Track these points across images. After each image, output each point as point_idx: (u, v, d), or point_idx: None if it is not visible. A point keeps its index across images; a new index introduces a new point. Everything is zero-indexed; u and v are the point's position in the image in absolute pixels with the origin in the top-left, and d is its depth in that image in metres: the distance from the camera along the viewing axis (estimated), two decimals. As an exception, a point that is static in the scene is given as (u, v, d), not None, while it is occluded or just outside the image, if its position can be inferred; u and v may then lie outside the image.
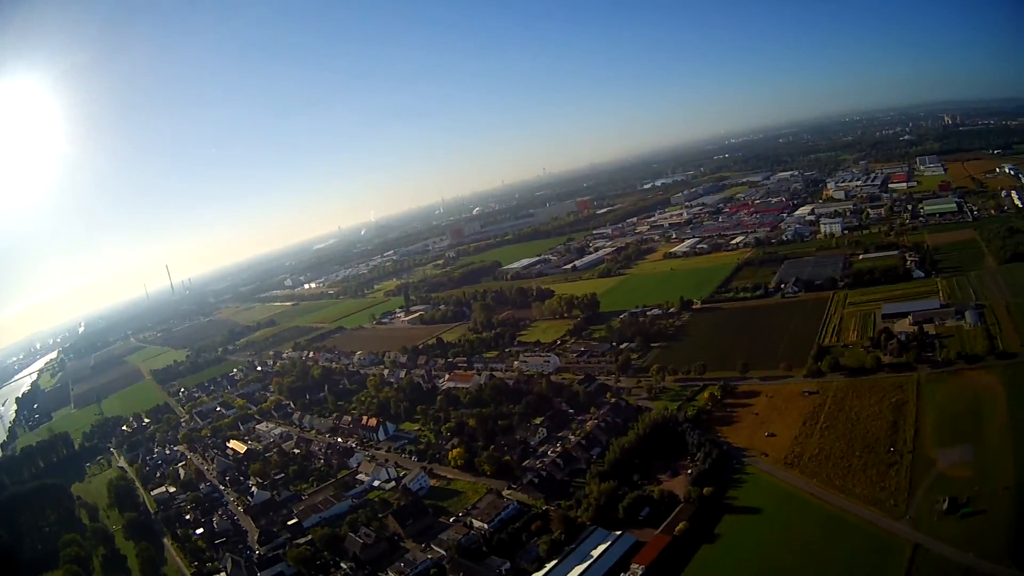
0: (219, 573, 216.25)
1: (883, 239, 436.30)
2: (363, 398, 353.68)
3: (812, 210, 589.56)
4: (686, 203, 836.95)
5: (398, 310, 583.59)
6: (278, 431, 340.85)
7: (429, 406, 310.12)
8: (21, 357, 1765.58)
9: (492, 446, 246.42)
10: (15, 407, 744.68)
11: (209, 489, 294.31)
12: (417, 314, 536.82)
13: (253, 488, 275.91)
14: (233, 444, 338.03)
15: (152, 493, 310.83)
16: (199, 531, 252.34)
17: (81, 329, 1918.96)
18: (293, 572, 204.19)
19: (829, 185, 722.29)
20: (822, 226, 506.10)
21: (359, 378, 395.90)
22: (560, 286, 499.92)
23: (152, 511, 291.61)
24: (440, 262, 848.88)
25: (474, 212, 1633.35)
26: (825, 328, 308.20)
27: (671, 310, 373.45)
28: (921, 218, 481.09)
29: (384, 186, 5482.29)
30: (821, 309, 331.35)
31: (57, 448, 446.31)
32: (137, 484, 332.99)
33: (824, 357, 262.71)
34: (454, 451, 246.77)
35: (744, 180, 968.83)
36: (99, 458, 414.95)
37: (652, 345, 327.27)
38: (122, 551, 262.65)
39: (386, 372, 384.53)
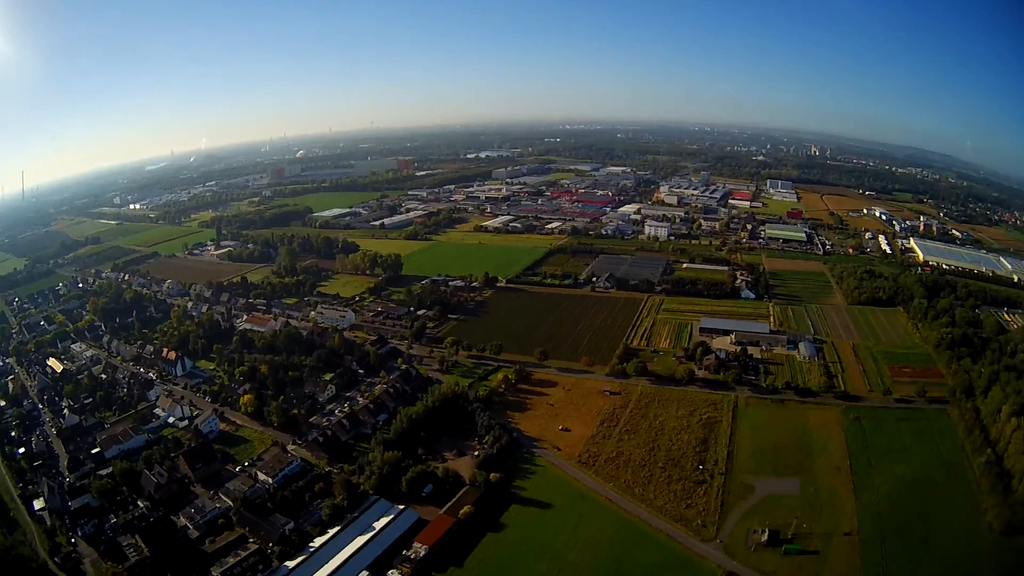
0: (38, 498, 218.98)
1: (713, 253, 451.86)
2: (166, 328, 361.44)
3: (639, 210, 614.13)
4: (507, 179, 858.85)
5: (209, 243, 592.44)
6: (89, 353, 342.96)
7: (225, 346, 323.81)
8: None
9: (282, 396, 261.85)
10: None
11: (31, 407, 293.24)
12: (226, 250, 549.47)
13: (65, 411, 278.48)
14: (52, 362, 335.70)
15: None
16: (21, 450, 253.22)
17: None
18: (97, 505, 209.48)
19: (662, 188, 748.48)
20: (647, 227, 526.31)
21: (165, 307, 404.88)
22: (366, 242, 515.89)
23: None
24: (256, 200, 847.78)
25: (297, 155, 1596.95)
26: (635, 330, 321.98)
27: (474, 284, 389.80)
28: (761, 240, 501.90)
29: (218, 116, 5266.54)
30: (633, 310, 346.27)
31: None
32: None
33: (631, 359, 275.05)
34: (245, 397, 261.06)
35: (572, 167, 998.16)
36: None
37: (450, 316, 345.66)
38: None
39: (190, 305, 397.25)
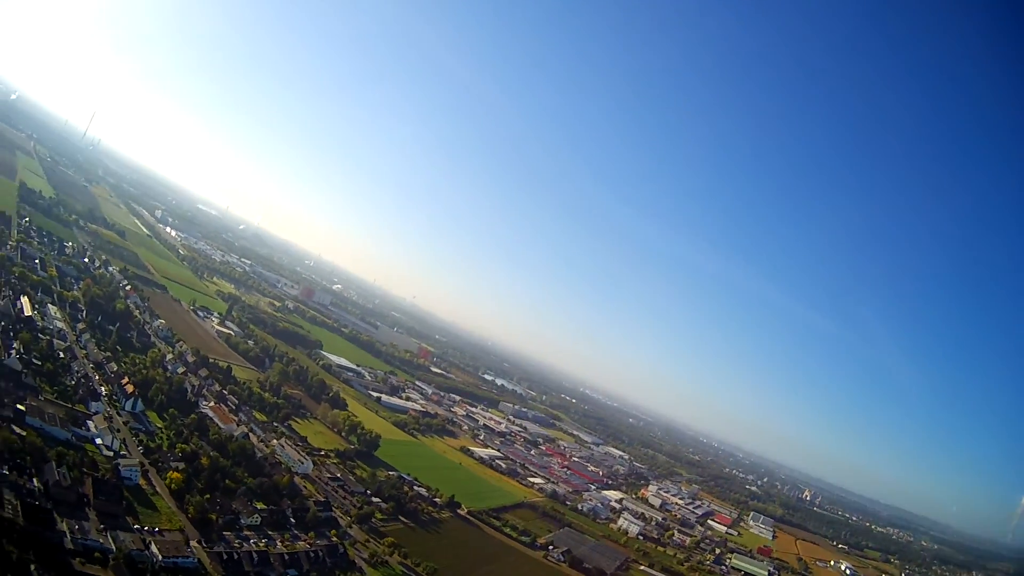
0: None
1: (675, 566, 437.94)
2: (137, 360, 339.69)
3: (622, 499, 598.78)
4: (511, 415, 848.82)
5: (216, 314, 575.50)
6: (60, 325, 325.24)
7: (181, 416, 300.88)
8: None
9: (208, 495, 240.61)
10: None
11: None
12: (228, 331, 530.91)
13: (14, 352, 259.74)
14: (24, 301, 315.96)
15: None
16: None
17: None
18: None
19: (651, 487, 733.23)
20: (622, 519, 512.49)
21: (146, 341, 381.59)
22: (356, 406, 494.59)
23: None
24: (278, 304, 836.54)
25: (334, 286, 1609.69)
26: None
27: (436, 499, 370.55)
28: (724, 567, 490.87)
29: (275, 202, 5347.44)
30: None
31: None
32: None
33: None
34: (175, 473, 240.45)
35: (575, 432, 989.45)
36: None
37: (401, 518, 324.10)
38: None
39: (168, 357, 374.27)
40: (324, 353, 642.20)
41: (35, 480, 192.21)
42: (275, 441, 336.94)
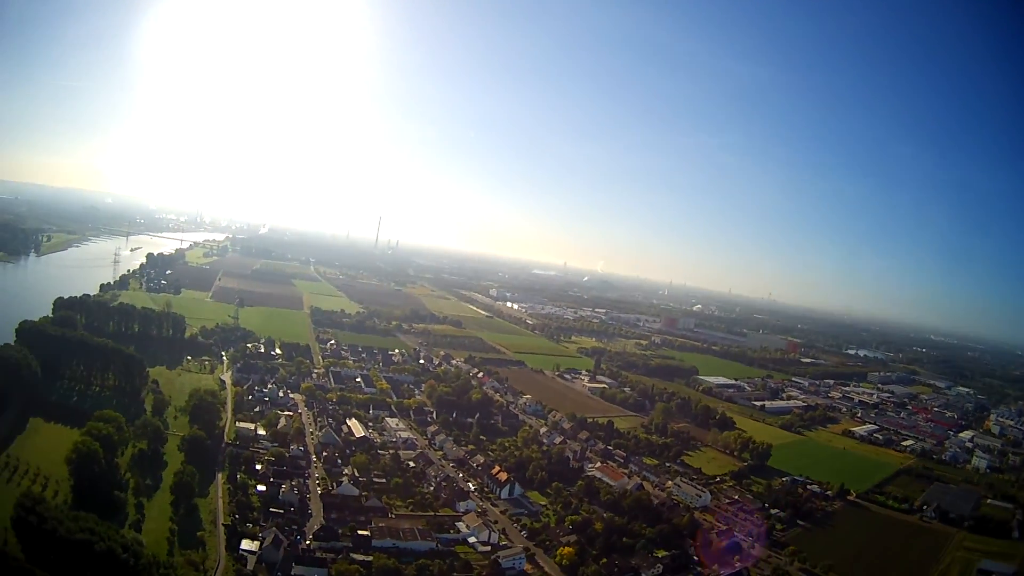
0: (254, 540, 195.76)
1: (1008, 490, 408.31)
2: (507, 444, 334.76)
3: (972, 437, 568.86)
4: (879, 383, 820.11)
5: (584, 372, 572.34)
6: (406, 435, 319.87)
7: (567, 487, 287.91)
8: (182, 219, 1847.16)
9: (604, 560, 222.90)
10: (144, 261, 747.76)
11: (299, 454, 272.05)
12: (601, 385, 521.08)
13: (344, 478, 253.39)
14: (352, 423, 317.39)
15: (238, 424, 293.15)
16: (261, 488, 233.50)
17: (264, 230, 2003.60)
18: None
19: (991, 416, 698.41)
20: (974, 458, 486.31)
21: (514, 423, 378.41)
22: (743, 420, 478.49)
23: (225, 441, 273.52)
24: (644, 343, 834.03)
25: (694, 308, 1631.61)
26: (932, 570, 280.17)
27: (828, 492, 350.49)
28: None
29: (619, 242, 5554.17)
30: (940, 546, 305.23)
31: (162, 325, 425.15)
32: (228, 406, 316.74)
33: None
34: (566, 549, 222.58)
35: (931, 382, 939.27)
36: (204, 358, 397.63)
37: (798, 523, 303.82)
38: (166, 457, 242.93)
39: (543, 430, 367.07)
40: (701, 378, 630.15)
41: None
42: (669, 483, 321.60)
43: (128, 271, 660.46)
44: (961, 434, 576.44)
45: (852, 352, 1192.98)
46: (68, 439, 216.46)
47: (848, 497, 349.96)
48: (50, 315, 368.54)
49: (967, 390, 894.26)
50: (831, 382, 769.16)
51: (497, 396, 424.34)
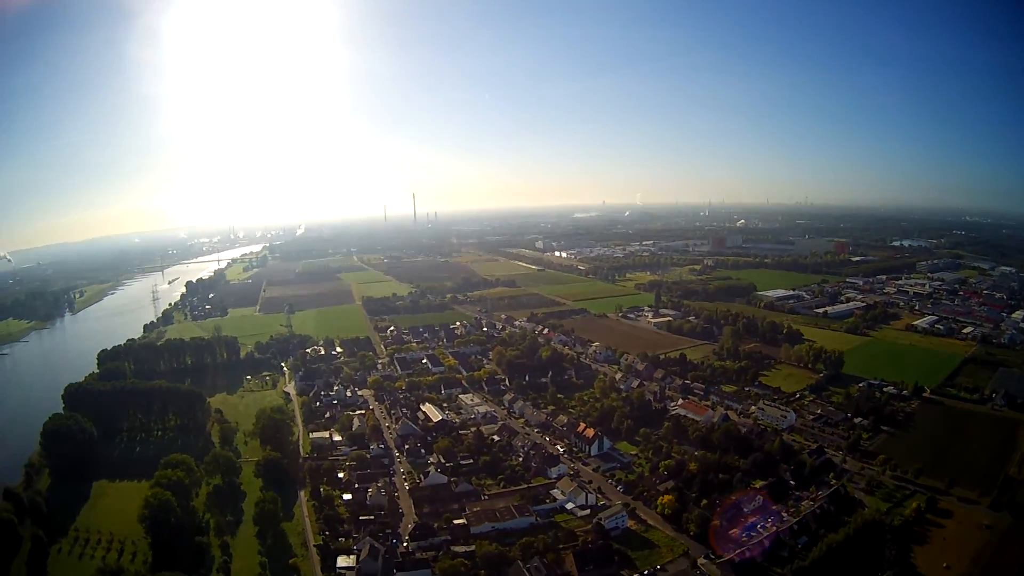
0: (349, 555, 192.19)
1: None
2: (586, 398, 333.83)
3: None
4: (928, 272, 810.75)
5: (646, 308, 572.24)
6: (483, 409, 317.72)
7: (653, 430, 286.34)
8: (215, 240, 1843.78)
9: (705, 500, 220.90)
10: (183, 291, 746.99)
11: (380, 452, 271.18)
12: (665, 319, 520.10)
13: (431, 468, 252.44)
14: (427, 408, 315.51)
15: (311, 435, 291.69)
16: (347, 497, 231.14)
17: (300, 231, 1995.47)
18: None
19: None
20: None
21: (588, 374, 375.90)
22: (808, 330, 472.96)
23: (303, 455, 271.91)
24: (697, 268, 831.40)
25: (738, 224, 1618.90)
26: (1015, 455, 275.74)
27: (904, 392, 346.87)
28: None
29: (652, 173, 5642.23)
30: (1015, 434, 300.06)
31: (215, 351, 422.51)
32: (298, 418, 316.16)
33: (1008, 490, 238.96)
34: (666, 497, 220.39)
35: (975, 264, 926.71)
36: (265, 374, 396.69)
37: (882, 428, 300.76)
38: (243, 486, 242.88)
39: (618, 376, 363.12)
40: (760, 294, 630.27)
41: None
42: (752, 408, 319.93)
43: (170, 305, 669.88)
44: (1014, 315, 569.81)
45: (897, 244, 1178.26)
46: (138, 495, 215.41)
47: (924, 394, 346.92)
48: (96, 371, 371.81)
49: (1010, 268, 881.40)
50: (883, 277, 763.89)
51: (566, 349, 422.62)
